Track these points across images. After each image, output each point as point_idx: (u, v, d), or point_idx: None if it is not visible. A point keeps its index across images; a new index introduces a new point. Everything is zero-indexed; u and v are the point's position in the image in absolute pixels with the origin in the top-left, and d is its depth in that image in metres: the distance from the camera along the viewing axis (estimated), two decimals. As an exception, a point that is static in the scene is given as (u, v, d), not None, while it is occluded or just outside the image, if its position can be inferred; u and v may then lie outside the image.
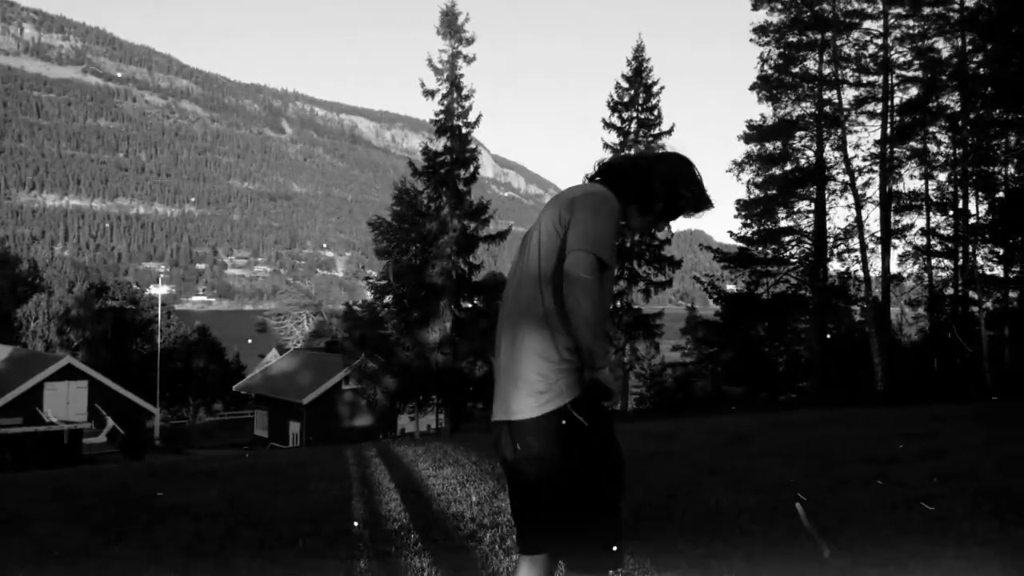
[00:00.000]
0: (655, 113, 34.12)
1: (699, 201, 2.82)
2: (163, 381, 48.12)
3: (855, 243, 30.45)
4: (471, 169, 31.33)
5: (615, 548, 2.58)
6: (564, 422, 2.52)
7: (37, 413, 33.07)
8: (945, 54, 30.04)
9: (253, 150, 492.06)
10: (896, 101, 30.88)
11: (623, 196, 2.73)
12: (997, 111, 27.57)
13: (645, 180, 2.77)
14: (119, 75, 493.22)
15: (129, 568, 4.80)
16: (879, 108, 30.90)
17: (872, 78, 30.88)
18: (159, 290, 63.21)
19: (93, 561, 4.96)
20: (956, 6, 29.17)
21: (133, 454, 31.59)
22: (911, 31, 30.24)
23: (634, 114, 34.09)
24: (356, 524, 5.55)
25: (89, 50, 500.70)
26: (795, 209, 31.97)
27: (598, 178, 2.83)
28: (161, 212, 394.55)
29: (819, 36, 30.41)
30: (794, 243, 32.13)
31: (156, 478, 8.87)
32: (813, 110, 31.31)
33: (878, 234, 30.68)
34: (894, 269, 31.25)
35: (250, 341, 71.11)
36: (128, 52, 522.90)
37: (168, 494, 7.46)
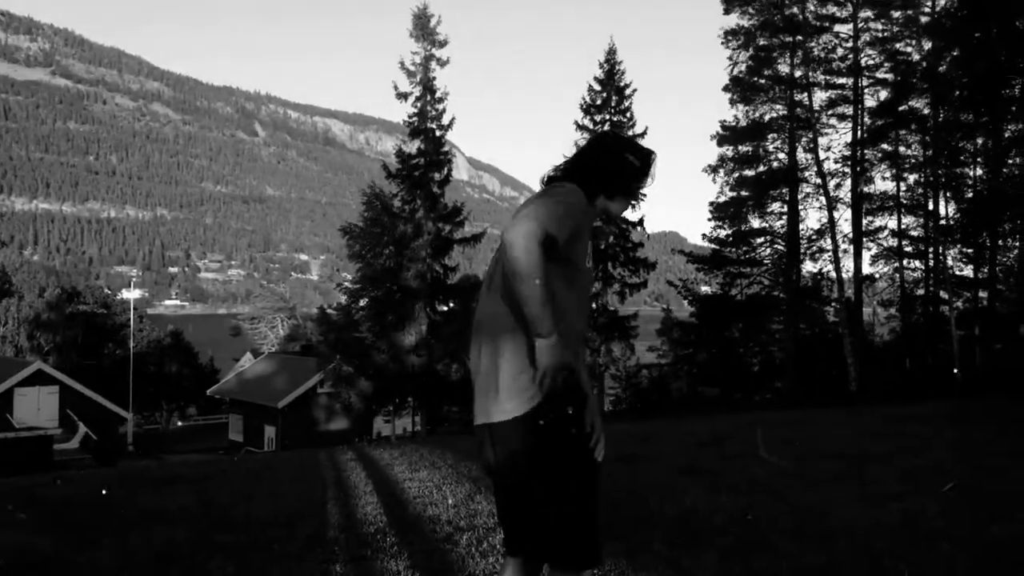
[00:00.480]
0: (628, 115, 34.19)
1: (648, 160, 2.84)
2: (136, 386, 47.66)
3: (827, 244, 30.77)
4: (445, 171, 31.30)
5: (595, 546, 2.59)
6: (542, 422, 2.53)
7: (7, 419, 32.65)
8: (915, 57, 30.44)
9: (226, 153, 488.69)
10: (867, 104, 31.26)
11: (596, 187, 2.75)
12: (964, 114, 27.90)
13: (617, 162, 2.78)
14: (88, 77, 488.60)
15: (101, 575, 4.75)
16: (850, 110, 31.25)
17: (842, 80, 31.23)
18: (131, 294, 62.55)
19: (64, 569, 4.90)
20: (926, 9, 29.57)
21: (106, 460, 31.22)
22: (880, 34, 30.61)
23: (607, 116, 34.16)
24: (332, 529, 5.52)
25: (58, 52, 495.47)
26: (768, 210, 32.24)
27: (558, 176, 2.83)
28: (133, 215, 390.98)
29: (790, 39, 30.69)
30: (767, 244, 32.40)
31: (129, 484, 8.79)
32: (785, 112, 31.60)
33: (850, 235, 31.02)
34: (866, 270, 31.64)
35: (225, 348, 70.66)
36: (97, 54, 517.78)
37: (142, 500, 7.39)
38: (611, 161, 2.79)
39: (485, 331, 2.67)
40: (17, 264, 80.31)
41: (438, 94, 30.80)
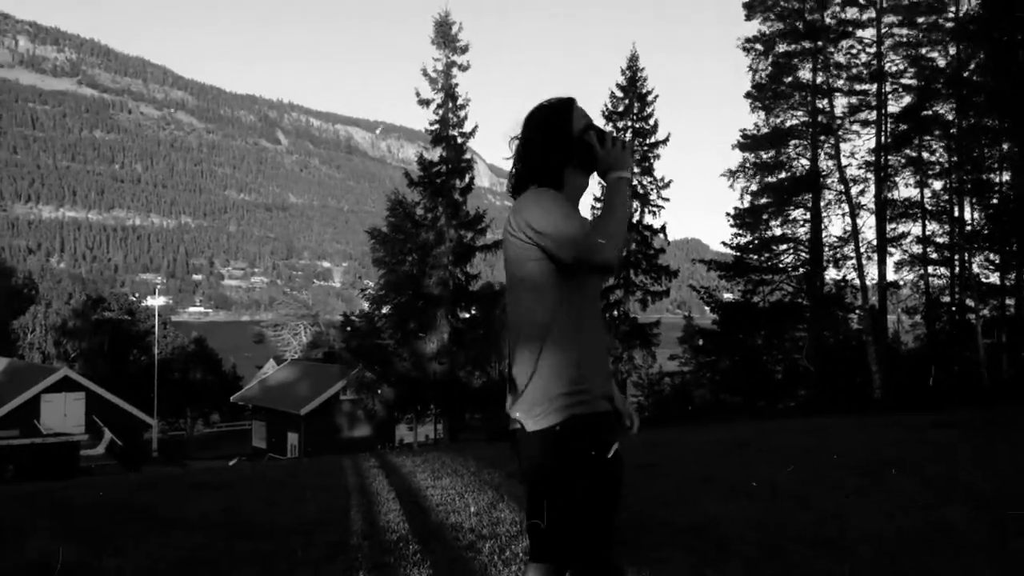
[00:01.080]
0: (650, 122, 34.15)
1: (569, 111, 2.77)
2: (160, 392, 48.03)
3: (851, 251, 30.54)
4: (467, 179, 31.33)
5: (612, 556, 2.60)
6: (558, 428, 2.54)
7: (34, 425, 33.00)
8: (941, 63, 30.20)
9: (249, 161, 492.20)
10: (890, 109, 31.01)
11: (559, 170, 2.71)
12: (989, 120, 27.63)
13: (559, 138, 2.72)
14: (114, 87, 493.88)
15: (127, 581, 4.79)
16: (873, 116, 31.01)
17: (865, 86, 31.00)
18: (156, 301, 63.02)
19: (90, 575, 4.95)
20: (950, 14, 29.34)
21: (131, 466, 31.48)
22: (904, 40, 30.40)
23: (629, 123, 34.12)
24: (354, 536, 5.55)
25: (84, 62, 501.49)
26: (790, 217, 32.04)
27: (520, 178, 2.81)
28: (157, 223, 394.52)
29: (811, 45, 30.54)
30: (790, 251, 32.18)
31: (154, 490, 8.86)
32: (806, 118, 31.43)
33: (874, 242, 30.76)
34: (890, 277, 31.31)
35: (248, 354, 71.05)
36: (123, 63, 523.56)
37: (165, 506, 7.45)
38: (556, 140, 2.72)
39: (511, 340, 2.70)
40: (44, 271, 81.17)
41: (459, 101, 30.82)
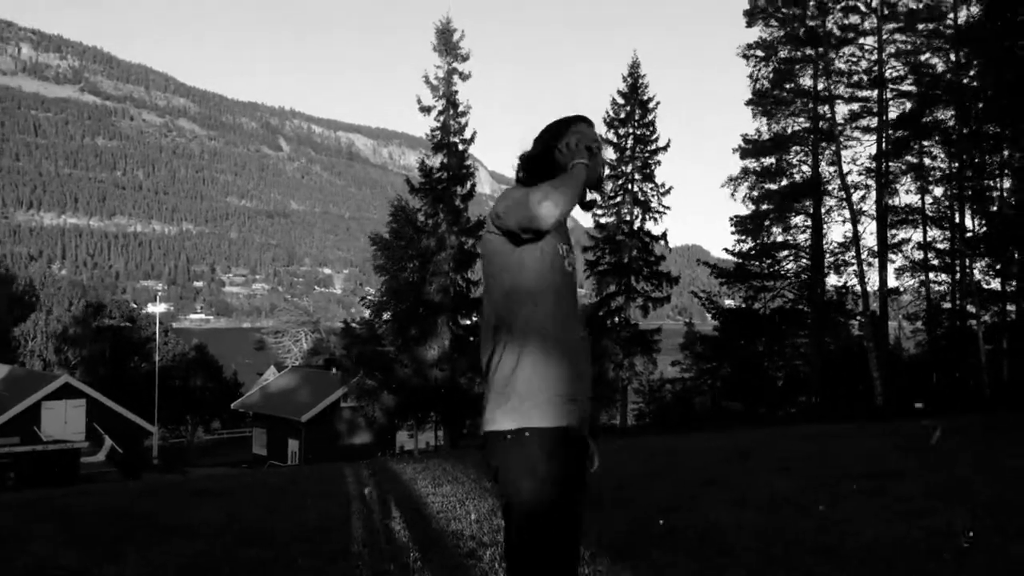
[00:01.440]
0: (651, 129, 34.23)
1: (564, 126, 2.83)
2: (161, 399, 47.97)
3: (852, 257, 30.56)
4: (468, 186, 31.35)
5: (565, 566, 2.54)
6: (509, 436, 2.52)
7: (35, 432, 32.97)
8: (940, 68, 30.26)
9: (250, 168, 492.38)
10: (891, 116, 31.05)
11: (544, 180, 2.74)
12: (990, 126, 27.67)
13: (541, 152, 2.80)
14: (116, 94, 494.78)
15: (127, 588, 4.78)
16: (874, 123, 31.07)
17: (866, 93, 31.07)
18: (157, 308, 62.98)
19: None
20: (950, 21, 29.40)
21: (131, 473, 31.44)
22: (905, 46, 30.45)
23: (630, 130, 34.21)
24: (355, 544, 5.54)
25: (86, 69, 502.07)
26: (791, 224, 32.10)
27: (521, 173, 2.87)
28: (159, 230, 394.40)
29: (812, 52, 30.60)
30: (791, 258, 32.22)
31: (155, 497, 8.86)
32: (807, 125, 31.49)
33: (875, 248, 30.80)
34: (892, 283, 31.37)
35: (248, 361, 71.03)
36: (125, 71, 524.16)
37: (166, 513, 7.44)
38: (539, 152, 2.82)
39: (482, 339, 2.71)
40: (44, 278, 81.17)
41: (460, 108, 30.85)
